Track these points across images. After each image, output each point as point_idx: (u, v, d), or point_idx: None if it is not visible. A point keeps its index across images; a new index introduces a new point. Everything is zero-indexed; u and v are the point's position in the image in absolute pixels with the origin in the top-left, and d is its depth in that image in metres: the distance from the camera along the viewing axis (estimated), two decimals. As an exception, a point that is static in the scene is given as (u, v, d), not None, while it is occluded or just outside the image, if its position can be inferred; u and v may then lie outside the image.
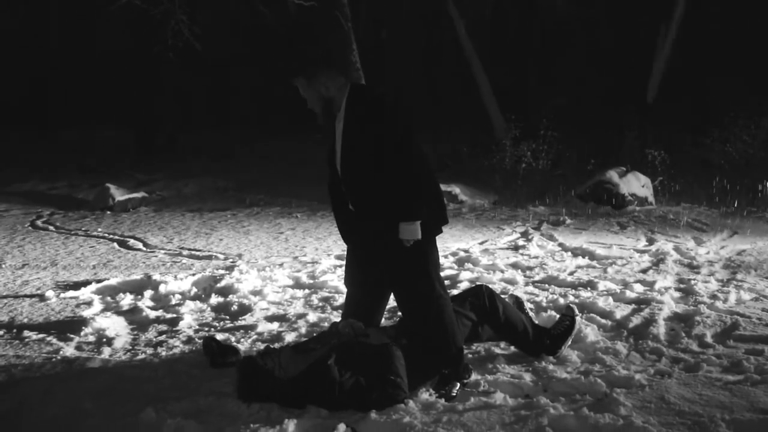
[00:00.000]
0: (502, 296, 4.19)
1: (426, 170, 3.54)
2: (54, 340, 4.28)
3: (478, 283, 5.63)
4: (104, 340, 4.30)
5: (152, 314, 4.82)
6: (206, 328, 4.55)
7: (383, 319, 4.05)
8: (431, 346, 3.53)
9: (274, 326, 4.55)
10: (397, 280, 3.63)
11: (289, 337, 4.29)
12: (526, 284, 5.70)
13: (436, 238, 3.66)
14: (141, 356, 4.03)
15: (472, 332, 3.82)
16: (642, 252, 7.02)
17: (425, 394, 3.36)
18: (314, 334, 4.14)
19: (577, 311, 4.16)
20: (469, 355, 3.89)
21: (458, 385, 3.44)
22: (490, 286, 5.48)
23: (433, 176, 3.64)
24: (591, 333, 4.19)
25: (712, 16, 14.95)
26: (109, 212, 10.08)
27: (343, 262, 6.37)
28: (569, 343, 3.98)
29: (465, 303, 3.82)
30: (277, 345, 4.02)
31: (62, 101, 19.55)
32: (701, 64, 15.16)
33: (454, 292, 5.27)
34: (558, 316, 4.56)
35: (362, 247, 3.74)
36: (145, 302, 5.13)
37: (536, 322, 4.19)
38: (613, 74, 15.74)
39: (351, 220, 3.73)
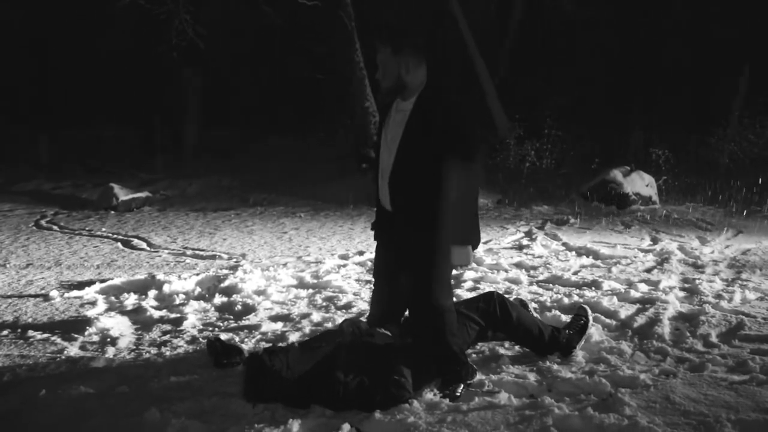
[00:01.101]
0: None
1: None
2: (58, 340, 4.28)
3: (482, 282, 5.65)
4: (108, 339, 4.30)
5: (156, 314, 4.83)
6: (210, 328, 4.55)
7: None
8: (432, 352, 3.52)
9: (278, 326, 4.55)
10: (417, 287, 3.52)
11: (293, 337, 4.29)
12: (530, 284, 5.69)
13: None
14: (145, 356, 4.03)
15: (479, 335, 3.82)
16: (646, 251, 7.00)
17: (429, 394, 3.36)
18: (318, 334, 4.14)
19: (590, 311, 4.15)
20: (474, 355, 3.89)
21: (462, 385, 3.43)
22: (494, 285, 5.53)
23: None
24: (596, 333, 4.18)
25: (713, 16, 14.92)
26: (112, 212, 10.09)
27: (347, 262, 6.41)
28: (582, 342, 3.97)
29: (473, 308, 3.81)
30: (282, 344, 4.02)
31: (66, 101, 19.58)
32: (707, 64, 15.12)
33: (458, 291, 5.28)
34: (562, 315, 4.57)
35: (395, 250, 3.61)
36: (149, 302, 5.13)
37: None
38: (617, 73, 15.72)
39: (389, 218, 3.58)
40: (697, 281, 5.58)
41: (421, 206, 3.34)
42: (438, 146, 3.26)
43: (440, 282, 3.45)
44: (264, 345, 4.15)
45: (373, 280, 3.90)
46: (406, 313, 3.92)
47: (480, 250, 7.03)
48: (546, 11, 15.45)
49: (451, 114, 3.32)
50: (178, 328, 4.53)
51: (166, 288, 5.39)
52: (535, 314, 4.28)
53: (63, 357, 3.98)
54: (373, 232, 3.79)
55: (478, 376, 3.56)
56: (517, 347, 4.01)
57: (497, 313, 3.80)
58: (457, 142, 3.27)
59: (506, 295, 4.38)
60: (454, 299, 4.63)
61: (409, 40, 3.40)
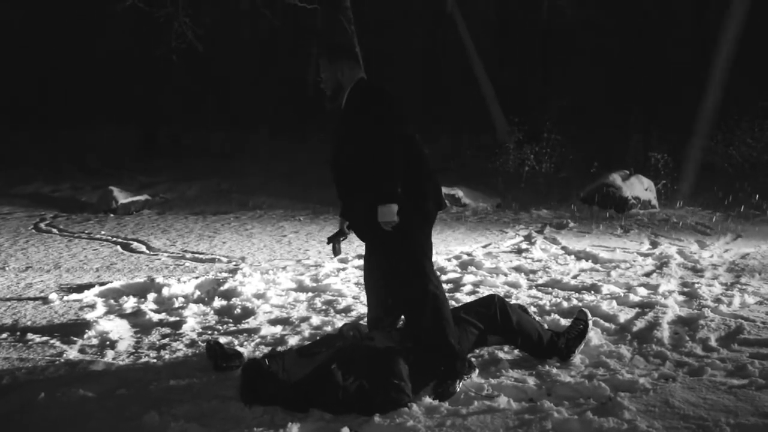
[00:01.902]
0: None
1: (420, 161, 3.62)
2: (57, 343, 4.28)
3: (481, 286, 5.65)
4: (107, 343, 4.30)
5: (155, 317, 4.83)
6: (209, 332, 4.55)
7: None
8: (428, 343, 3.54)
9: (278, 329, 4.55)
10: (390, 268, 3.68)
11: (293, 341, 4.29)
12: (530, 288, 5.69)
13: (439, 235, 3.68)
14: (144, 359, 4.02)
15: (479, 340, 3.82)
16: (645, 255, 7.01)
17: (429, 398, 3.35)
18: (317, 338, 4.14)
19: (589, 315, 4.15)
20: (473, 359, 3.87)
21: (458, 381, 3.42)
22: (493, 289, 5.53)
23: (429, 167, 3.70)
24: (595, 337, 4.18)
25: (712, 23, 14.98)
26: (112, 215, 10.09)
27: (346, 266, 6.41)
28: (582, 347, 3.96)
29: (473, 312, 3.81)
30: (280, 348, 4.02)
31: (66, 102, 19.60)
32: (706, 67, 15.13)
33: (458, 295, 5.28)
34: (561, 319, 4.56)
35: (360, 237, 3.88)
36: (149, 305, 5.13)
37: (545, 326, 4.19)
38: (617, 76, 15.74)
39: (346, 208, 3.91)
40: (696, 285, 5.58)
41: (359, 186, 3.64)
42: (361, 125, 3.57)
43: (416, 266, 3.60)
44: (263, 348, 4.15)
45: (364, 285, 4.03)
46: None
47: (479, 254, 7.04)
48: (545, 13, 15.49)
49: (365, 94, 3.66)
50: (178, 332, 4.53)
51: (165, 291, 5.39)
52: (537, 318, 4.27)
53: (62, 360, 3.98)
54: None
55: (478, 380, 3.56)
56: (516, 351, 4.00)
57: (497, 317, 3.79)
58: (371, 118, 3.55)
59: (517, 300, 4.38)
60: (454, 303, 4.66)
61: (340, 49, 4.06)
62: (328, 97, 3.81)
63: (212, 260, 6.94)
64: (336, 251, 3.94)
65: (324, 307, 5.08)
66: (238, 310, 4.96)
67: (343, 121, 3.73)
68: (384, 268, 3.76)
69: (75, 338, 4.35)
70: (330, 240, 3.93)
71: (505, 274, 6.08)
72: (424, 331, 3.56)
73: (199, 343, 4.29)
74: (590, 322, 4.10)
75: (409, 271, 3.58)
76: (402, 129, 3.57)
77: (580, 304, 5.00)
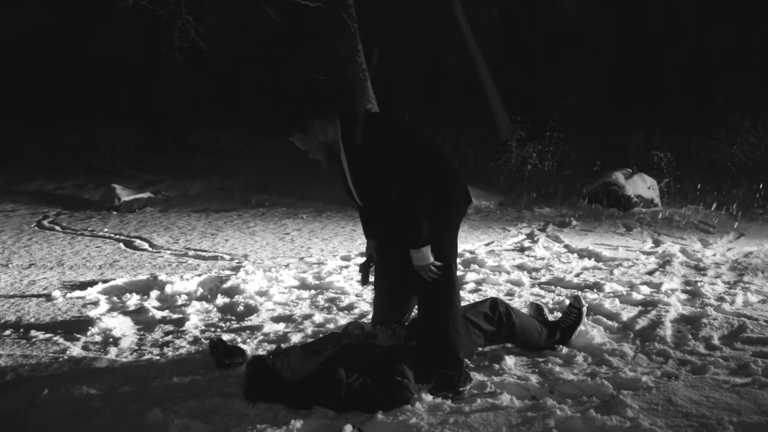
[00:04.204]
0: (514, 304, 4.24)
1: (448, 166, 3.57)
2: (61, 340, 4.29)
3: (484, 284, 5.66)
4: (111, 340, 4.31)
5: (158, 314, 4.83)
6: (212, 329, 4.56)
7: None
8: (434, 347, 3.53)
9: (280, 327, 4.55)
10: (423, 289, 3.60)
11: (295, 338, 4.29)
12: (533, 286, 5.69)
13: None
14: (147, 356, 4.03)
15: (484, 341, 3.92)
16: (648, 254, 7.00)
17: (431, 396, 3.35)
18: (321, 335, 4.15)
19: (583, 301, 4.24)
20: (475, 356, 3.89)
21: (452, 395, 3.41)
22: (496, 287, 5.54)
23: (448, 171, 3.60)
24: (597, 335, 4.19)
25: (717, 20, 14.96)
26: (115, 212, 10.10)
27: (349, 263, 6.41)
28: (577, 333, 4.10)
29: (479, 315, 3.86)
30: (284, 345, 4.03)
31: (68, 101, 19.60)
32: (708, 66, 15.14)
33: (461, 293, 5.28)
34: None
35: (392, 256, 3.75)
36: (152, 302, 5.14)
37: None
38: (620, 75, 15.72)
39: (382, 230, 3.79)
40: (699, 284, 5.58)
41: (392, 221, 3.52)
42: (381, 170, 3.41)
43: (451, 284, 3.57)
44: (266, 346, 4.16)
45: (374, 285, 3.96)
46: (411, 315, 3.94)
47: (482, 252, 7.04)
48: (547, 13, 15.47)
49: (375, 149, 3.43)
50: (181, 329, 4.53)
51: (168, 289, 5.40)
52: (549, 315, 4.32)
53: (65, 357, 3.99)
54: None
55: (480, 378, 3.57)
56: (518, 349, 4.02)
57: (502, 322, 3.89)
58: (392, 169, 3.39)
59: (508, 297, 4.40)
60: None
61: (304, 115, 3.50)
62: (323, 162, 3.59)
63: (215, 258, 6.94)
64: (365, 280, 3.85)
65: (327, 305, 5.09)
66: (241, 308, 4.96)
67: (353, 168, 3.50)
68: (410, 278, 3.67)
69: (78, 335, 4.36)
70: (361, 269, 3.86)
71: (508, 272, 6.08)
72: (435, 334, 3.53)
73: (202, 340, 4.29)
74: (584, 309, 4.19)
75: (440, 279, 3.51)
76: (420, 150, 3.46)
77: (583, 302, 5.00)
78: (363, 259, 3.98)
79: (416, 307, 3.82)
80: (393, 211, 3.46)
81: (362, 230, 3.99)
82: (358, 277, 4.05)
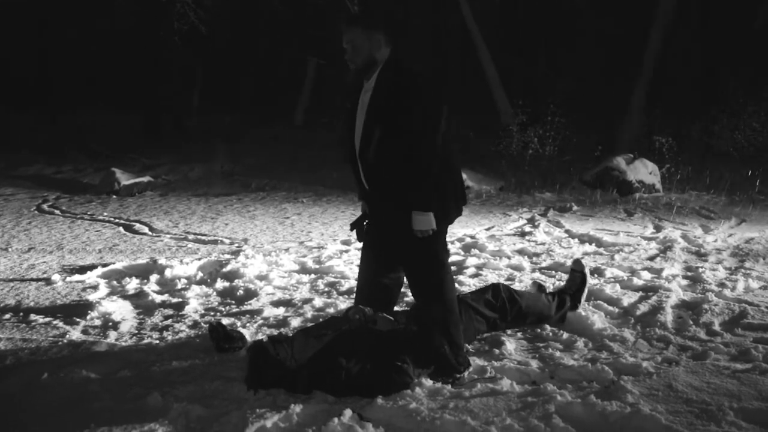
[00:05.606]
0: (517, 286, 4.26)
1: (448, 156, 3.42)
2: (60, 324, 4.28)
3: (485, 269, 5.64)
4: (110, 324, 4.30)
5: (158, 298, 4.82)
6: (212, 313, 4.55)
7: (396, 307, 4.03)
8: (433, 341, 3.51)
9: (280, 311, 4.54)
10: (410, 267, 3.60)
11: (295, 322, 4.28)
12: (533, 271, 5.68)
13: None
14: (147, 340, 4.02)
15: (487, 328, 3.92)
16: (649, 239, 6.98)
17: (431, 381, 3.35)
18: (320, 320, 4.14)
19: (585, 263, 4.34)
20: (476, 342, 3.88)
21: (451, 381, 3.41)
22: (497, 272, 5.52)
23: (456, 162, 3.53)
24: (598, 320, 4.18)
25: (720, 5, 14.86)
26: (114, 196, 10.08)
27: (349, 248, 6.40)
28: (585, 295, 4.26)
29: (481, 301, 3.86)
30: (284, 330, 4.01)
31: (68, 85, 19.54)
32: (711, 51, 15.04)
33: (461, 278, 5.27)
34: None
35: (377, 227, 3.66)
36: (151, 286, 5.12)
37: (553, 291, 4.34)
38: (621, 59, 15.63)
39: (368, 196, 3.63)
40: (700, 269, 5.57)
41: (390, 179, 3.40)
42: (401, 116, 3.28)
43: (441, 267, 3.53)
44: (266, 330, 4.15)
45: (360, 276, 3.89)
46: (413, 300, 3.93)
47: (483, 237, 7.02)
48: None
49: (412, 83, 3.31)
50: (180, 313, 4.53)
51: (167, 273, 5.38)
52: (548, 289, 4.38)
53: (65, 341, 3.98)
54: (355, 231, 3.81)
55: (481, 362, 3.56)
56: (519, 333, 4.01)
57: (506, 307, 3.90)
58: (417, 113, 3.28)
59: (509, 281, 4.40)
60: (458, 286, 4.65)
61: (380, 17, 3.42)
62: (354, 69, 3.40)
63: (215, 242, 6.93)
64: (361, 237, 3.79)
65: (327, 289, 5.08)
66: (241, 292, 4.95)
67: (372, 108, 3.37)
68: (395, 267, 3.65)
69: (78, 319, 4.35)
70: (353, 226, 3.79)
71: (509, 257, 6.06)
72: (433, 330, 3.49)
73: (202, 324, 4.28)
74: (587, 270, 4.31)
75: (432, 272, 3.49)
76: (444, 126, 3.32)
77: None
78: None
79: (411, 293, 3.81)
80: (396, 166, 3.33)
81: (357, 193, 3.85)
82: (359, 261, 4.02)
